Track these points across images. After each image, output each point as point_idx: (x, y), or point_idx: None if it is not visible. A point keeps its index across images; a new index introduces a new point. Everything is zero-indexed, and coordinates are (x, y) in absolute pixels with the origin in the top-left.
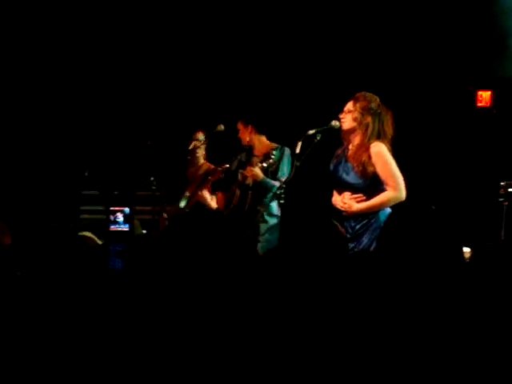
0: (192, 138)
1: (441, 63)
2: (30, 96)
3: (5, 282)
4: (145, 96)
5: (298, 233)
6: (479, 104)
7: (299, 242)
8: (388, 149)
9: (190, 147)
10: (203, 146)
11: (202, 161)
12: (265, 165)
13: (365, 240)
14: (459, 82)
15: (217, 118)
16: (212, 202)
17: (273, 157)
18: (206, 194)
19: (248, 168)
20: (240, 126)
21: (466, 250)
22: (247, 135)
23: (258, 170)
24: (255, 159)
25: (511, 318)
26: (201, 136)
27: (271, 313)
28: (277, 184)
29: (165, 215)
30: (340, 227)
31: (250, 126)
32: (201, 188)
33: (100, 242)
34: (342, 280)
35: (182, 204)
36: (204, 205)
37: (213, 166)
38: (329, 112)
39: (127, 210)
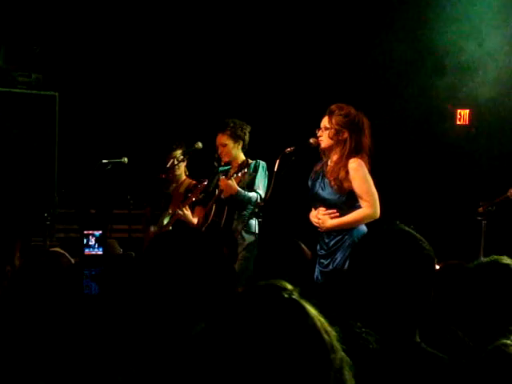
0: (169, 155)
1: (420, 81)
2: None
3: None
4: (122, 114)
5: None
6: (458, 122)
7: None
8: (366, 161)
9: (168, 165)
10: (183, 163)
11: (183, 177)
12: (239, 175)
13: (338, 257)
14: (439, 100)
15: (194, 134)
16: (194, 218)
17: (247, 168)
18: (187, 211)
19: (222, 180)
20: (227, 141)
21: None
22: (235, 151)
23: (232, 182)
24: (231, 171)
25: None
26: (178, 153)
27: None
28: (253, 195)
29: (152, 230)
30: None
31: (240, 142)
32: (181, 205)
33: (72, 260)
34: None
35: (165, 221)
36: (185, 222)
37: (194, 182)
38: (306, 127)
39: (98, 233)
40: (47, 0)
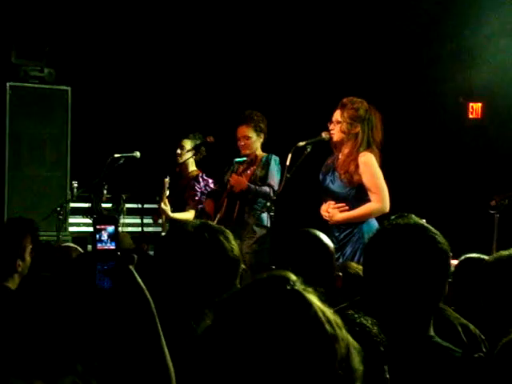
0: (180, 147)
1: (432, 74)
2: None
3: None
4: (135, 108)
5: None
6: (470, 116)
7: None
8: (377, 154)
9: (182, 160)
10: (190, 155)
11: (190, 169)
12: (248, 172)
13: (348, 251)
14: (451, 94)
15: (206, 127)
16: (180, 214)
17: (259, 164)
18: (165, 206)
19: (233, 176)
20: (251, 133)
21: (453, 262)
22: (256, 144)
23: (242, 178)
24: (241, 167)
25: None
26: (188, 143)
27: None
28: (266, 189)
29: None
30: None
31: (262, 135)
32: (160, 201)
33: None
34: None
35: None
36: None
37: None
38: (318, 121)
39: (111, 228)
40: None
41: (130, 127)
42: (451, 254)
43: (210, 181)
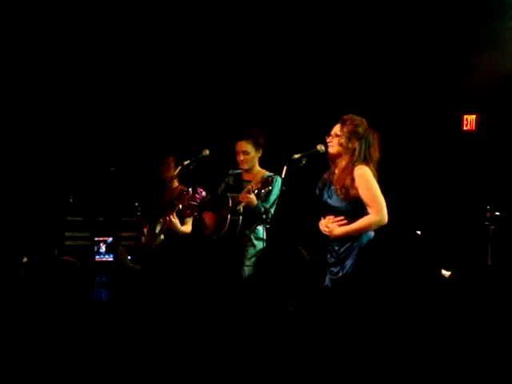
0: (164, 163)
1: (427, 87)
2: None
3: None
4: (130, 121)
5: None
6: (465, 128)
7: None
8: (373, 172)
9: (176, 172)
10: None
11: (175, 184)
12: (262, 192)
13: (348, 264)
14: (445, 106)
15: (200, 141)
16: (183, 227)
17: (270, 187)
18: (174, 219)
19: (243, 194)
20: (251, 148)
21: (446, 273)
22: (255, 159)
23: (253, 197)
24: (252, 185)
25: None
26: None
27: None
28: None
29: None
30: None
31: (260, 151)
32: (169, 213)
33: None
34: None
35: (157, 230)
36: (174, 230)
37: (184, 189)
38: (313, 136)
39: (109, 239)
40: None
41: (126, 140)
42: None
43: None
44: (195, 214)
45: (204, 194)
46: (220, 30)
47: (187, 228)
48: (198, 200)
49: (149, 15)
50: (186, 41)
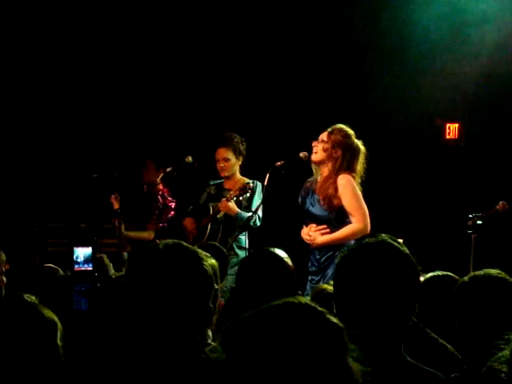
0: (145, 166)
1: (409, 96)
2: None
3: None
4: (112, 127)
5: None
6: (447, 136)
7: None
8: (356, 182)
9: (159, 178)
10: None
11: (160, 187)
12: (240, 198)
13: (329, 273)
14: (427, 115)
15: (183, 148)
16: (146, 233)
17: (249, 192)
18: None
19: (223, 202)
20: (231, 155)
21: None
22: (235, 167)
23: (232, 205)
24: (231, 193)
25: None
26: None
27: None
28: (247, 215)
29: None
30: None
31: (241, 158)
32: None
33: (62, 273)
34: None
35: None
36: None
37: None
38: (297, 143)
39: (87, 250)
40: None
41: (108, 146)
42: (421, 272)
43: (168, 198)
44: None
45: (170, 197)
46: (202, 35)
47: (151, 234)
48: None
49: (127, 24)
50: (167, 46)
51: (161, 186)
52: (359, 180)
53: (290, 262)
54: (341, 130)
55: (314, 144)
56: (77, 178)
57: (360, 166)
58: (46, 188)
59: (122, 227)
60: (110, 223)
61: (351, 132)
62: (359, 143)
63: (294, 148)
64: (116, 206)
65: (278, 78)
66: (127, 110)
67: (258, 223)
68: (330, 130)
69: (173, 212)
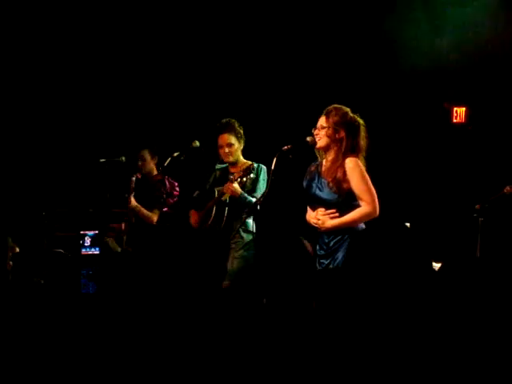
0: (140, 158)
1: (416, 79)
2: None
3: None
4: (119, 113)
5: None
6: (455, 120)
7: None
8: (363, 162)
9: (145, 171)
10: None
11: (154, 173)
12: (244, 179)
13: (339, 257)
14: (435, 98)
15: (190, 132)
16: (151, 213)
17: (253, 173)
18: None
19: (227, 184)
20: (234, 141)
21: (437, 265)
22: (239, 151)
23: (236, 186)
24: (235, 174)
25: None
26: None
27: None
28: (252, 200)
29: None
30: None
31: (242, 142)
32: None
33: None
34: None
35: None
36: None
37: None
38: (302, 127)
39: (92, 233)
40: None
41: (116, 131)
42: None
43: (176, 184)
44: (167, 208)
45: (177, 188)
46: (201, 25)
47: (154, 216)
48: (170, 192)
49: (124, 14)
50: (166, 35)
51: (159, 177)
52: (364, 154)
53: None
54: (336, 110)
55: (315, 132)
56: (84, 162)
57: (363, 140)
58: (53, 173)
59: (132, 198)
60: (118, 208)
61: (347, 109)
62: (356, 117)
63: (301, 132)
64: (132, 185)
65: (283, 62)
66: (134, 95)
67: (257, 208)
68: (325, 113)
69: (176, 198)
